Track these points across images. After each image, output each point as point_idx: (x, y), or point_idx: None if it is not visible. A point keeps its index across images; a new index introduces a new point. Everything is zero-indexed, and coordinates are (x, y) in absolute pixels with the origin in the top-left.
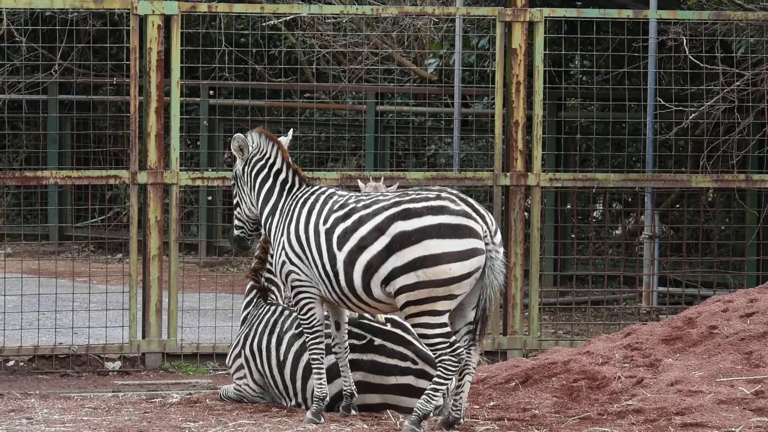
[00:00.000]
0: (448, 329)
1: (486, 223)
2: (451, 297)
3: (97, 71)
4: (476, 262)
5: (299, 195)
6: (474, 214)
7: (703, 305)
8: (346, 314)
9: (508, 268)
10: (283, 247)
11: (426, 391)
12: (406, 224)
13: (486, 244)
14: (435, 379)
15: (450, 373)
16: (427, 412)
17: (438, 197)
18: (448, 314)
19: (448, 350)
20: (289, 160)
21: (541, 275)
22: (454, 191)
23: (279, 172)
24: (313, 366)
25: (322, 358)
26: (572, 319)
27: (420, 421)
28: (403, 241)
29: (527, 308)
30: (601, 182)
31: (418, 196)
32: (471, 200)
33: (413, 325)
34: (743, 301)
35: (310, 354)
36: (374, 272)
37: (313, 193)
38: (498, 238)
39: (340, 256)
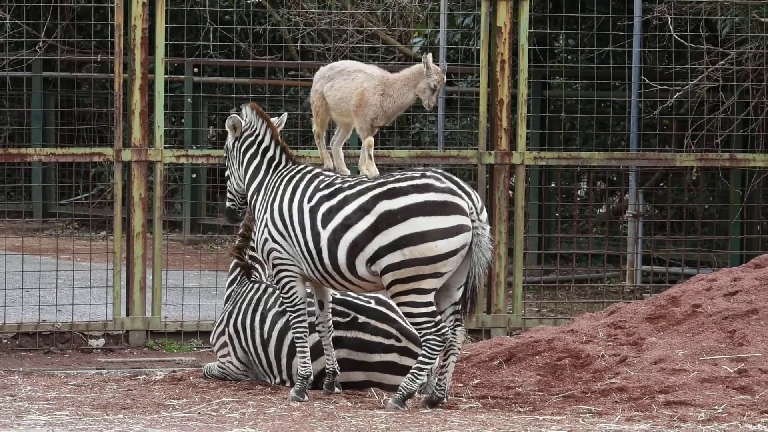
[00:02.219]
0: (433, 308)
1: (472, 200)
2: (437, 275)
3: (81, 48)
4: (462, 239)
5: (284, 172)
6: (460, 191)
7: (686, 284)
8: (330, 293)
9: (493, 247)
10: (266, 225)
11: (411, 370)
12: (391, 203)
13: (472, 221)
14: (420, 358)
15: (435, 352)
16: (412, 391)
17: (423, 176)
18: (434, 293)
19: (434, 330)
20: (279, 137)
21: (525, 254)
22: (439, 170)
23: (267, 149)
24: (296, 344)
25: (305, 336)
26: (556, 298)
27: (404, 400)
28: (389, 219)
29: (511, 286)
30: (586, 161)
31: (403, 176)
32: (456, 178)
33: (399, 304)
34: (727, 280)
35: (293, 332)
36: (359, 251)
37: (298, 172)
38: (484, 215)
39: (324, 234)
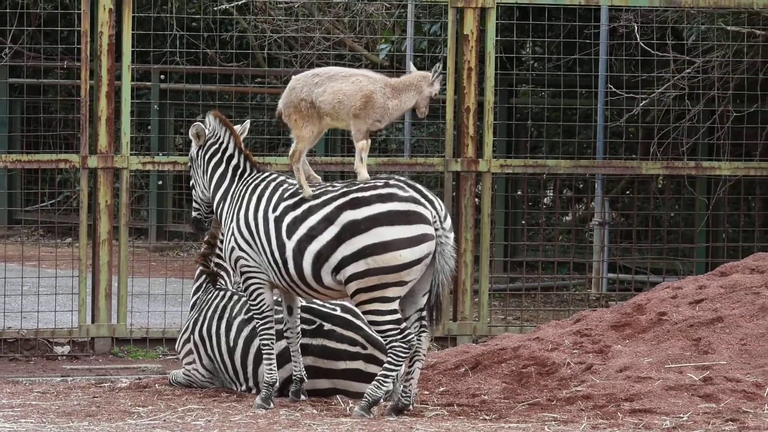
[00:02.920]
0: (398, 316)
1: (435, 208)
2: (401, 283)
3: (47, 55)
4: (426, 247)
5: (250, 181)
6: (423, 200)
7: (652, 292)
8: (299, 299)
9: (459, 254)
10: (233, 233)
11: (376, 377)
12: (355, 213)
13: (436, 229)
14: (385, 365)
15: (400, 359)
16: (377, 398)
17: (386, 185)
18: (398, 301)
19: (399, 337)
20: (242, 145)
21: (492, 261)
22: (403, 178)
23: (231, 157)
24: (263, 351)
25: (272, 343)
26: (522, 305)
27: (370, 407)
28: (353, 229)
29: (477, 294)
30: (552, 168)
31: (367, 185)
32: (420, 186)
33: (364, 312)
34: (692, 288)
35: (260, 339)
36: (324, 261)
37: (263, 180)
38: (448, 223)
39: (290, 245)
